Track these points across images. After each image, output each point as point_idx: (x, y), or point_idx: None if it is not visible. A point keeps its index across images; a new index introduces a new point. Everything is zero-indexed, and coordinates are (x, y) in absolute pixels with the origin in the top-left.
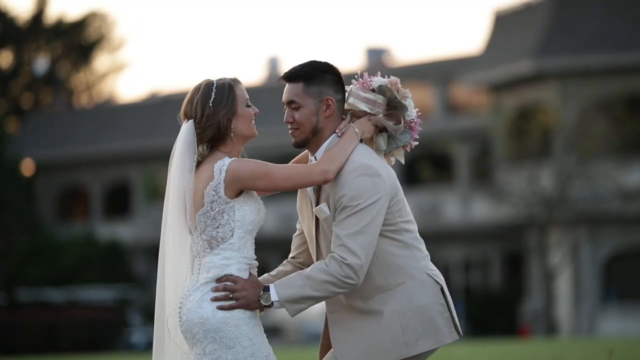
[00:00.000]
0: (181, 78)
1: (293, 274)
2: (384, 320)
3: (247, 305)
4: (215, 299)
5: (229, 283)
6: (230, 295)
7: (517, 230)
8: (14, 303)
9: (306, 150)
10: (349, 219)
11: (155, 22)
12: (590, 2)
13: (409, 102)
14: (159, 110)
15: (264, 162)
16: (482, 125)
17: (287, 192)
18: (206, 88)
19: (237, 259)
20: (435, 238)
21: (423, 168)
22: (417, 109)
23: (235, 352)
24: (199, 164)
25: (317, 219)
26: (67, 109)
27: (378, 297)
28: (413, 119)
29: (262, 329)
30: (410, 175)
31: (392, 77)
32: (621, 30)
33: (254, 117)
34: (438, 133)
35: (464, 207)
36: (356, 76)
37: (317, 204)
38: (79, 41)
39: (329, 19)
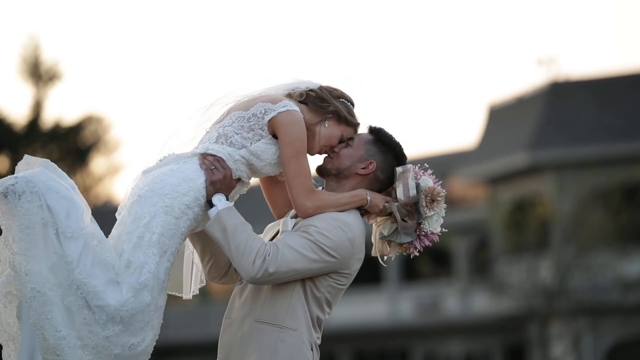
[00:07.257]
0: None
1: (247, 223)
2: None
3: (210, 182)
4: (202, 160)
5: (219, 163)
6: (212, 168)
7: (517, 322)
8: None
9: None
10: (301, 238)
11: (151, 123)
12: (581, 94)
13: (433, 217)
14: None
15: (306, 152)
16: (480, 219)
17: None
18: (349, 104)
19: (231, 162)
20: (436, 333)
21: (422, 263)
22: (442, 230)
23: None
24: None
25: (272, 238)
26: None
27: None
28: (428, 232)
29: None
30: (409, 271)
31: (438, 188)
32: (614, 121)
33: (320, 144)
34: None
35: (463, 300)
36: (423, 165)
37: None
38: (75, 144)
39: None
